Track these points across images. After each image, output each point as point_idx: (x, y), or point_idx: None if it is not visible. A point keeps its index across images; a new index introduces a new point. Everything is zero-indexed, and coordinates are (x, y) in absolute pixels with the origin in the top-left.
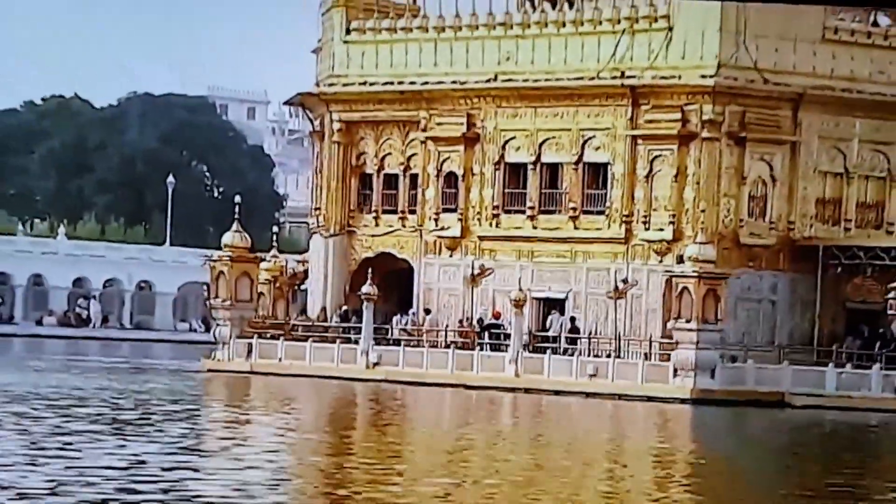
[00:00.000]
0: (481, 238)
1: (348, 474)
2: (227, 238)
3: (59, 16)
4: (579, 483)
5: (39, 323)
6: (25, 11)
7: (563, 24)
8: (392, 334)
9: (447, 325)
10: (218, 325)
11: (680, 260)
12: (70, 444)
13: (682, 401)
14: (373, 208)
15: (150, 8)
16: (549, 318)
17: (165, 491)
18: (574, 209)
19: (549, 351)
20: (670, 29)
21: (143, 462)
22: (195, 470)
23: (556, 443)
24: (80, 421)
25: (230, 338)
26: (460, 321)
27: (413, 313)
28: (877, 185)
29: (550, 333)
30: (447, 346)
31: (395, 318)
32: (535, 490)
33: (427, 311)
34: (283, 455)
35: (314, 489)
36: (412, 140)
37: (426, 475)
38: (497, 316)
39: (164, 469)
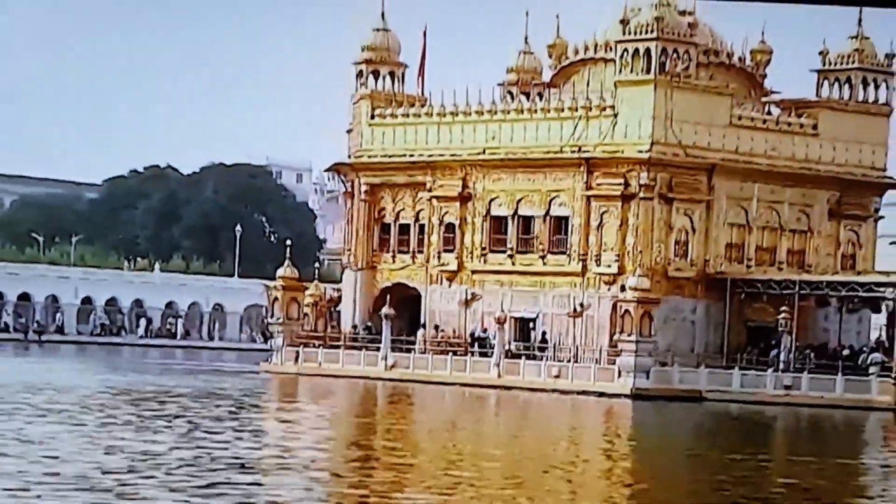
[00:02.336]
0: (473, 272)
1: (370, 441)
2: (280, 271)
3: (155, 103)
4: (546, 451)
5: (140, 335)
6: (130, 101)
7: (535, 111)
8: (417, 344)
9: (448, 338)
10: (273, 337)
11: (623, 289)
12: (195, 423)
13: (625, 396)
14: (390, 249)
15: (223, 96)
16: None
17: (240, 456)
18: (543, 250)
19: (523, 357)
20: (615, 115)
21: (226, 441)
22: (260, 433)
23: (528, 426)
24: (188, 409)
25: (282, 347)
26: (457, 335)
27: (423, 327)
28: (771, 234)
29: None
30: (450, 353)
31: (419, 332)
32: (515, 453)
33: (437, 328)
34: (323, 431)
35: (344, 452)
36: (420, 198)
37: (424, 441)
38: (485, 330)
39: (238, 438)
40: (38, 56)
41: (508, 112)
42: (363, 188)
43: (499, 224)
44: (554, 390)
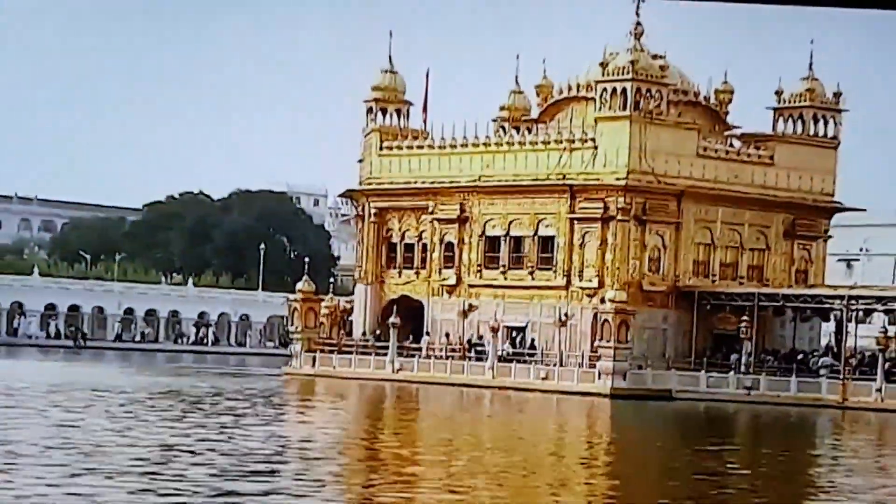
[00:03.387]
0: (470, 285)
1: (378, 432)
2: (299, 285)
3: (189, 136)
4: (533, 438)
5: (175, 342)
6: (166, 135)
7: (524, 144)
8: (423, 349)
9: (448, 344)
10: (293, 343)
11: (602, 301)
12: (231, 416)
13: (604, 395)
14: (396, 265)
15: (249, 130)
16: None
17: (264, 440)
18: (531, 267)
19: (514, 361)
20: (595, 147)
21: (255, 433)
22: (283, 422)
23: (517, 420)
24: (223, 405)
25: (301, 352)
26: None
27: (428, 334)
28: (733, 252)
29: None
30: (449, 358)
31: (422, 339)
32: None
33: (447, 336)
34: (335, 423)
35: (357, 441)
36: (423, 220)
37: (426, 431)
38: (481, 337)
39: (267, 428)
40: (83, 97)
41: (501, 144)
42: (372, 211)
43: (493, 243)
44: (541, 390)
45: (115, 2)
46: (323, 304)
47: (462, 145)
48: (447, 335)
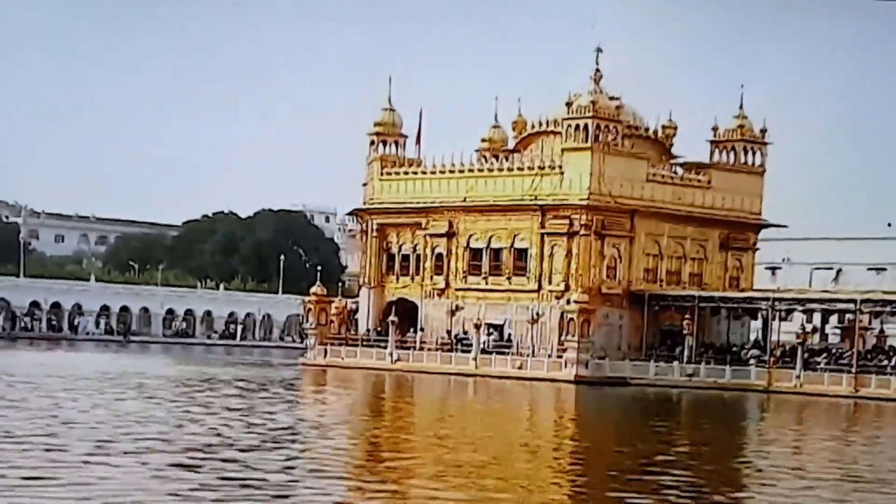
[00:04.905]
0: (456, 289)
1: (379, 410)
2: (313, 289)
3: (221, 164)
4: (511, 416)
5: (208, 337)
6: (202, 162)
7: (503, 170)
8: (416, 341)
9: (438, 339)
10: (308, 338)
11: (568, 302)
12: (261, 398)
13: (569, 381)
14: (395, 272)
15: (271, 158)
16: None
17: (283, 416)
18: (508, 273)
19: (494, 353)
20: (562, 173)
21: (280, 410)
22: (300, 402)
23: (496, 401)
24: (249, 390)
25: (314, 346)
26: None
27: (422, 330)
28: (677, 261)
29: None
30: (439, 351)
31: (409, 332)
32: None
33: (448, 333)
34: (342, 403)
35: (362, 419)
36: (417, 235)
37: (420, 410)
38: (466, 333)
39: (286, 411)
40: (132, 129)
41: (483, 171)
42: (374, 227)
43: (475, 254)
44: (517, 377)
45: (157, 46)
46: (333, 304)
47: (450, 171)
48: (448, 332)
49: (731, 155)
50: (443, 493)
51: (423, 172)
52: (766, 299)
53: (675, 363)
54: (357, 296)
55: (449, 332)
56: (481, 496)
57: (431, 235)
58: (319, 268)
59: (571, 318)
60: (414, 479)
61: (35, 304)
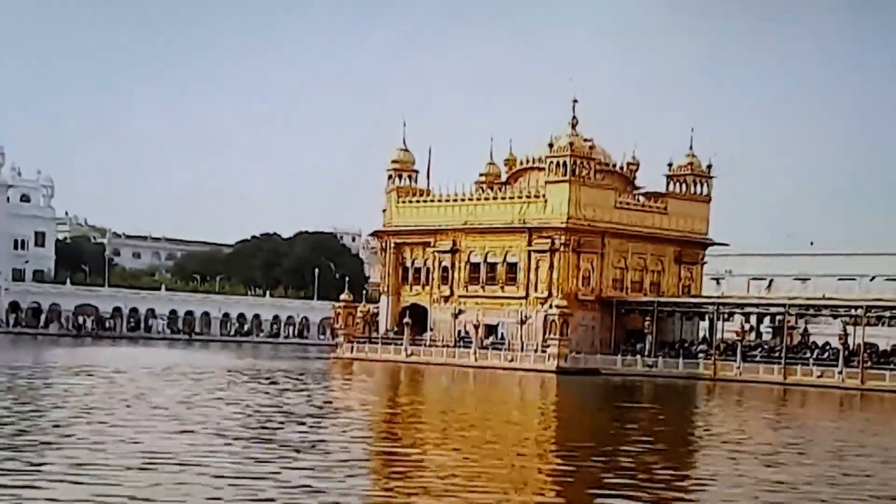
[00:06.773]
0: (459, 296)
1: (397, 396)
2: (342, 297)
3: (267, 193)
4: (502, 401)
5: (257, 336)
6: (253, 189)
7: (496, 197)
8: (427, 339)
9: (444, 337)
10: (338, 337)
11: (550, 307)
12: (301, 384)
13: (552, 372)
14: (409, 282)
15: (307, 188)
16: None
17: (320, 406)
18: (502, 283)
19: (490, 348)
20: (546, 201)
21: (314, 394)
22: (330, 390)
23: (493, 388)
24: (294, 377)
25: (344, 343)
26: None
27: (431, 330)
28: (639, 273)
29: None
30: (445, 347)
31: (424, 334)
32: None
33: (459, 333)
34: (366, 390)
35: (383, 403)
36: (427, 251)
37: (430, 394)
38: (467, 332)
39: (319, 394)
40: (194, 158)
41: (481, 199)
42: (392, 245)
43: (475, 267)
44: (508, 368)
45: (212, 87)
46: (358, 309)
47: (454, 200)
48: (459, 332)
49: (683, 186)
50: (448, 443)
51: (432, 200)
52: (712, 304)
53: (638, 357)
54: (378, 302)
55: (453, 332)
56: (476, 452)
57: (439, 252)
58: (347, 279)
59: (553, 320)
60: (425, 439)
61: (117, 309)
